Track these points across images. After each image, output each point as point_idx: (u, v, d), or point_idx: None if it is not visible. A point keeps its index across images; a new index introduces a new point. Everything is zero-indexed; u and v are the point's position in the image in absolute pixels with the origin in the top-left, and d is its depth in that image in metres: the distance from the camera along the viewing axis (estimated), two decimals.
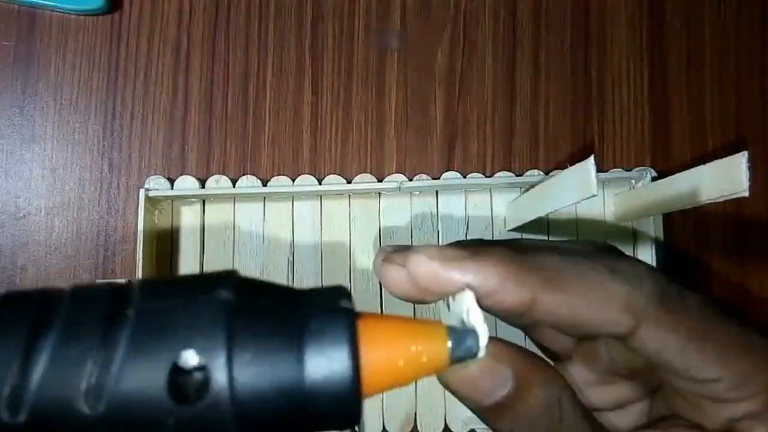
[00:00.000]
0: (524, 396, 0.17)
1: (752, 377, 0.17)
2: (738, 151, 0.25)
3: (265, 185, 0.35)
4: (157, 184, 0.35)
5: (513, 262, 0.16)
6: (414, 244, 0.35)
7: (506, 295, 0.16)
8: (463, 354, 0.15)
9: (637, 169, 0.36)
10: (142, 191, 0.33)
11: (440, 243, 0.35)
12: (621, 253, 0.18)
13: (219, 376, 0.13)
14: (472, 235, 0.36)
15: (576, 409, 0.17)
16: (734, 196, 0.25)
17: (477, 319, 0.15)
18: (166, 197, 0.34)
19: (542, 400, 0.17)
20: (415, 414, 0.34)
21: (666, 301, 0.17)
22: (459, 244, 0.18)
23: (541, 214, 0.31)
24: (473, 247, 0.17)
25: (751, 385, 0.17)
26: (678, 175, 0.29)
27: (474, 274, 0.16)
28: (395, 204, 0.36)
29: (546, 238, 0.36)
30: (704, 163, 0.27)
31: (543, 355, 0.20)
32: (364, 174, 0.36)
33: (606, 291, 0.16)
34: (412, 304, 0.35)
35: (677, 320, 0.17)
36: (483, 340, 0.15)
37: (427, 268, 0.16)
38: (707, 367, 0.17)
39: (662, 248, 0.35)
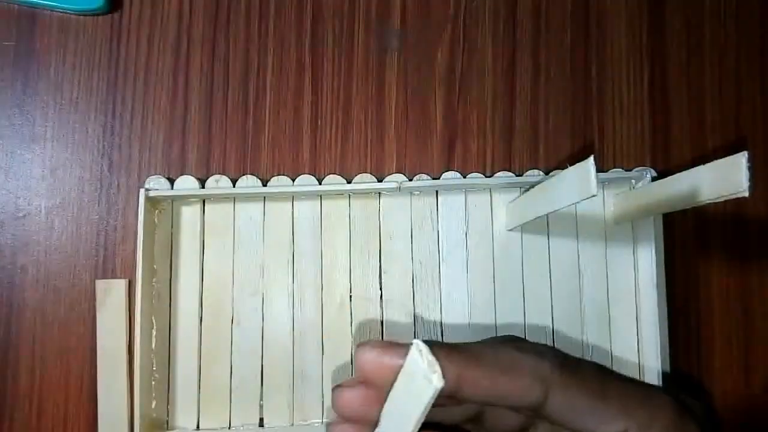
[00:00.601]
0: None
1: (653, 423, 0.20)
2: (738, 151, 0.25)
3: (265, 185, 0.35)
4: (157, 184, 0.35)
5: (441, 346, 0.19)
6: (413, 244, 0.35)
7: None
8: None
9: (637, 169, 0.36)
10: (142, 191, 0.33)
11: (440, 243, 0.36)
12: (525, 340, 0.22)
13: None
14: (472, 235, 0.36)
15: None
16: (734, 196, 0.25)
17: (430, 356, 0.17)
18: (166, 197, 0.34)
19: None
20: None
21: (566, 367, 0.20)
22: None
23: (541, 214, 0.31)
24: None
25: (654, 429, 0.19)
26: (678, 175, 0.29)
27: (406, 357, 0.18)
28: (395, 204, 0.36)
29: (546, 238, 0.36)
30: (704, 163, 0.27)
31: None
32: (364, 174, 0.36)
33: (517, 363, 0.20)
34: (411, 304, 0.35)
35: (579, 382, 0.20)
36: (437, 373, 0.17)
37: (369, 355, 0.20)
38: (614, 421, 0.19)
39: (662, 248, 0.35)
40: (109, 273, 0.35)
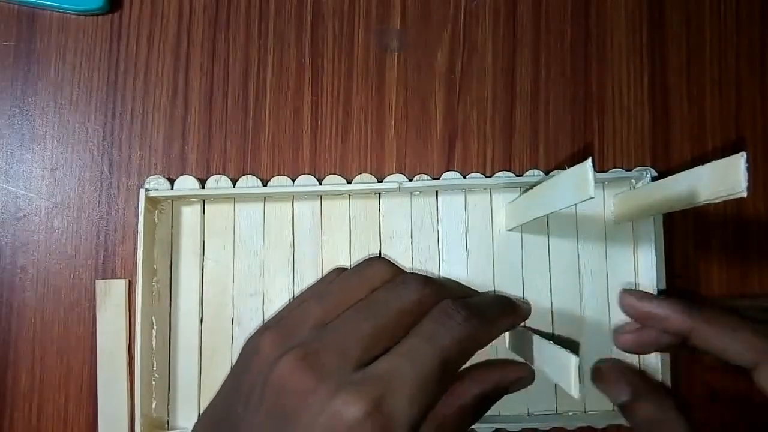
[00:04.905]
0: (638, 404, 0.28)
1: None
2: (738, 151, 0.25)
3: (265, 185, 0.35)
4: (157, 184, 0.35)
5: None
6: (413, 244, 0.35)
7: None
8: None
9: (637, 169, 0.36)
10: (142, 191, 0.33)
11: (440, 243, 0.35)
12: None
13: None
14: (472, 235, 0.36)
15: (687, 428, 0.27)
16: (732, 197, 0.25)
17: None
18: (166, 197, 0.34)
19: (651, 410, 0.28)
20: None
21: None
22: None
23: (540, 214, 0.31)
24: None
25: None
26: (678, 175, 0.29)
27: None
28: (395, 204, 0.36)
29: (546, 238, 0.36)
30: (704, 163, 0.27)
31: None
32: (364, 174, 0.36)
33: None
34: None
35: None
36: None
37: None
38: None
39: (662, 248, 0.35)
40: (109, 273, 0.35)
